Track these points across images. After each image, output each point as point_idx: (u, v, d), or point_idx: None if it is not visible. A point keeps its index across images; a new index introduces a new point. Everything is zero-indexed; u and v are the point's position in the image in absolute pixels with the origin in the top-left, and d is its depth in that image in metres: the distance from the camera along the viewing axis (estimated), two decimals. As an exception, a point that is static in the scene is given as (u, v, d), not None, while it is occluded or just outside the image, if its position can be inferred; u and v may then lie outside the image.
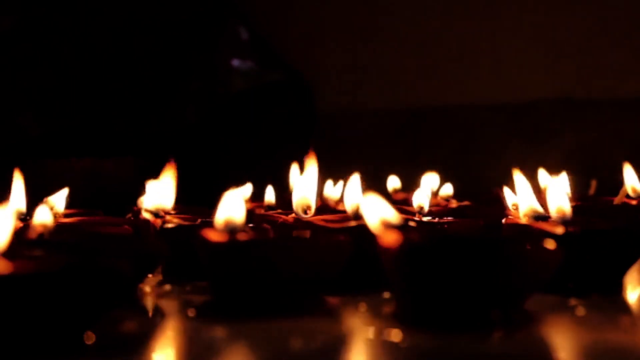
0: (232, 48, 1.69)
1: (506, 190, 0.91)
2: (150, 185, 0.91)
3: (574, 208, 0.79)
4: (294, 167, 1.10)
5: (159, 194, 0.91)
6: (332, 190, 1.14)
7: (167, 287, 0.80)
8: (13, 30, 1.55)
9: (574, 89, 1.72)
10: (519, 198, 0.83)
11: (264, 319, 0.64)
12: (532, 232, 0.76)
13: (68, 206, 0.98)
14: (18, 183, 0.91)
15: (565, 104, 1.72)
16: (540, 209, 0.80)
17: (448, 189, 1.18)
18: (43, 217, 0.75)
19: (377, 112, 1.83)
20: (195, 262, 0.73)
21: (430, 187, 1.14)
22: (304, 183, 0.86)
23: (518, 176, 0.92)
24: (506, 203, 0.92)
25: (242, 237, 0.70)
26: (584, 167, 1.46)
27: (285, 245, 0.70)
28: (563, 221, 0.77)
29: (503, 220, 0.85)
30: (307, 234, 0.77)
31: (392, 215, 0.65)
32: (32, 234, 0.73)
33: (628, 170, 1.02)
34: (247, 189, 1.13)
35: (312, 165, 0.87)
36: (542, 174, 1.11)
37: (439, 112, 1.79)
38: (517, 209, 0.86)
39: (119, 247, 0.74)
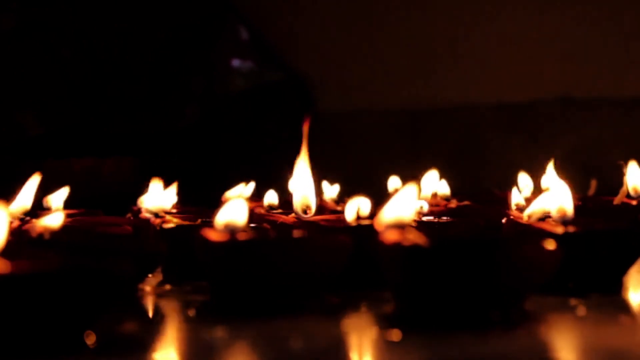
0: (232, 48, 1.70)
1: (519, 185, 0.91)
2: (152, 185, 0.91)
3: (574, 208, 0.79)
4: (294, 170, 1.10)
5: (159, 193, 0.91)
6: (331, 190, 1.14)
7: (167, 287, 0.80)
8: (14, 29, 1.55)
9: (574, 89, 1.72)
10: (524, 198, 0.83)
11: (264, 319, 0.64)
12: (532, 232, 0.76)
13: (68, 206, 0.98)
14: (32, 183, 0.90)
15: (565, 104, 1.72)
16: (547, 210, 0.80)
17: (444, 188, 1.18)
18: (51, 219, 0.75)
19: (377, 112, 1.83)
20: (195, 262, 0.73)
21: (431, 186, 1.14)
22: (304, 183, 0.86)
23: (522, 176, 0.92)
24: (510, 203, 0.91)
25: (242, 237, 0.70)
26: (584, 167, 1.46)
27: (285, 245, 0.70)
28: (563, 221, 0.77)
29: (503, 220, 0.85)
30: (308, 234, 0.77)
31: (409, 216, 0.65)
32: (32, 234, 0.73)
33: (632, 169, 1.02)
34: (247, 188, 1.13)
35: (304, 159, 0.86)
36: (545, 176, 1.11)
37: (439, 112, 1.79)
38: (519, 208, 0.86)
39: (119, 247, 0.74)
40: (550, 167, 0.98)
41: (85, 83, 1.58)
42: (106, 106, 1.58)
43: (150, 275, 0.81)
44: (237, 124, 1.68)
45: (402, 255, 0.63)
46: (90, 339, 0.56)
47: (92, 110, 1.57)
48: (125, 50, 1.61)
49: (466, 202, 1.10)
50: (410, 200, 0.67)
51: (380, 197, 0.79)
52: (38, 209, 0.92)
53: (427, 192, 0.97)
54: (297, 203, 0.86)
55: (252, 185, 1.09)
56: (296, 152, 0.85)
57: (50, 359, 0.53)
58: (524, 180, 1.11)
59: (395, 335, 0.58)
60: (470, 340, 0.57)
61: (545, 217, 0.79)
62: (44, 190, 0.96)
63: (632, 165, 1.02)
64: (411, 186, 0.67)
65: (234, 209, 0.71)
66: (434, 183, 1.15)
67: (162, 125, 1.60)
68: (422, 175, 1.15)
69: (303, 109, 1.75)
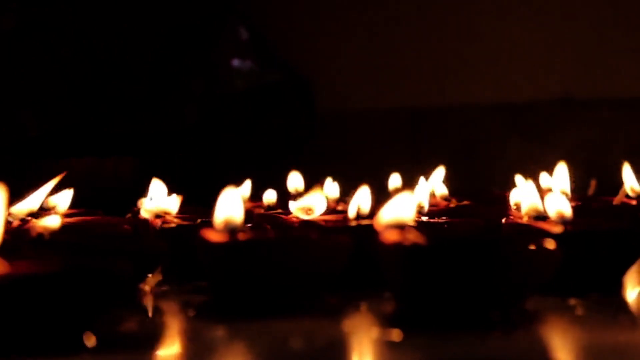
0: (232, 48, 1.69)
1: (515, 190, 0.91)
2: (153, 185, 0.91)
3: (574, 208, 0.79)
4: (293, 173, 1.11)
5: (160, 193, 0.91)
6: (331, 189, 1.14)
7: (167, 287, 0.80)
8: (14, 29, 1.55)
9: (574, 89, 1.72)
10: (522, 197, 0.83)
11: (264, 319, 0.64)
12: (531, 232, 0.76)
13: (68, 206, 0.98)
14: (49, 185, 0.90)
15: (565, 104, 1.72)
16: (542, 209, 0.80)
17: (443, 187, 1.17)
18: (50, 220, 0.75)
19: (377, 112, 1.83)
20: (195, 262, 0.73)
21: (430, 186, 1.14)
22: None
23: (519, 177, 0.92)
24: (510, 203, 0.91)
25: (242, 237, 0.70)
26: (584, 167, 1.46)
27: (285, 245, 0.70)
28: (563, 221, 0.77)
29: (503, 220, 0.85)
30: (308, 234, 0.77)
31: (409, 217, 0.65)
32: (32, 234, 0.73)
33: (627, 170, 1.02)
34: (247, 188, 1.13)
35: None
36: (544, 176, 1.11)
37: (439, 112, 1.79)
38: (518, 208, 0.86)
39: (119, 247, 0.74)
40: (560, 168, 0.98)
41: (85, 83, 1.57)
42: (106, 106, 1.58)
43: (150, 275, 0.81)
44: (237, 124, 1.68)
45: (402, 255, 0.63)
46: (90, 339, 0.56)
47: (92, 110, 1.57)
48: (125, 50, 1.61)
49: (466, 202, 1.10)
50: (410, 201, 0.67)
51: (380, 196, 0.79)
52: (39, 209, 0.92)
53: (427, 191, 0.97)
54: (298, 204, 0.86)
55: (248, 185, 1.09)
56: (296, 152, 0.85)
57: (50, 359, 0.53)
58: (521, 181, 1.11)
59: (396, 335, 0.58)
60: (470, 340, 0.57)
61: (544, 216, 0.79)
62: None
63: (626, 166, 1.03)
64: (409, 191, 0.67)
65: (230, 202, 0.71)
66: (439, 181, 1.15)
67: (162, 125, 1.60)
68: (427, 174, 1.14)
69: (303, 109, 1.75)
